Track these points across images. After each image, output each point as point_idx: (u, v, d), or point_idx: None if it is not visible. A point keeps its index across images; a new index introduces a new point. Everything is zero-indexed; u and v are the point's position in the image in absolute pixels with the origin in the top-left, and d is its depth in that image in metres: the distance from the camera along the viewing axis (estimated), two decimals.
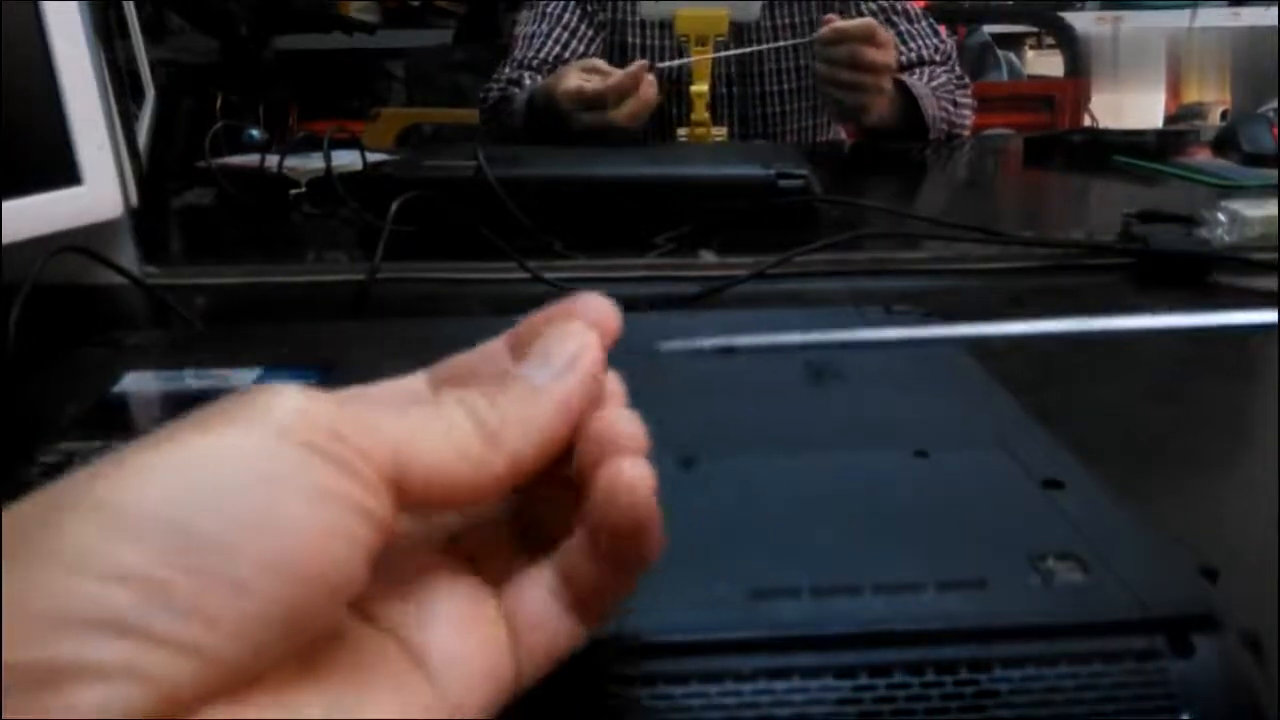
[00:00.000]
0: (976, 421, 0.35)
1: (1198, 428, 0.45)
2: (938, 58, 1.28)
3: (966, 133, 1.31)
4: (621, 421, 0.20)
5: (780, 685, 0.22)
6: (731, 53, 1.14)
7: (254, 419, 0.17)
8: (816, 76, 1.11)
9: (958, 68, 1.30)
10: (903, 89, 1.17)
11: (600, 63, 1.12)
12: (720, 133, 1.13)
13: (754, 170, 0.78)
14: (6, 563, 0.14)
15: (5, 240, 0.52)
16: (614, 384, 0.22)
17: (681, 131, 1.13)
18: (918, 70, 1.25)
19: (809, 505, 0.29)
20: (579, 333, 0.21)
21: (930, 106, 1.18)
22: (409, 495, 0.18)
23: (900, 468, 0.31)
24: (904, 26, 1.28)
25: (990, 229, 0.73)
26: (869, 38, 1.05)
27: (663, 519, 0.20)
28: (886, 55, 1.07)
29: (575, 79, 1.09)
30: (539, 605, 0.21)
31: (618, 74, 1.07)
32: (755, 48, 1.15)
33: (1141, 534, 0.27)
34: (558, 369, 0.20)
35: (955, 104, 1.25)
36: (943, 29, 2.77)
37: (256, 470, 0.16)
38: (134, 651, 0.14)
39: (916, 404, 0.36)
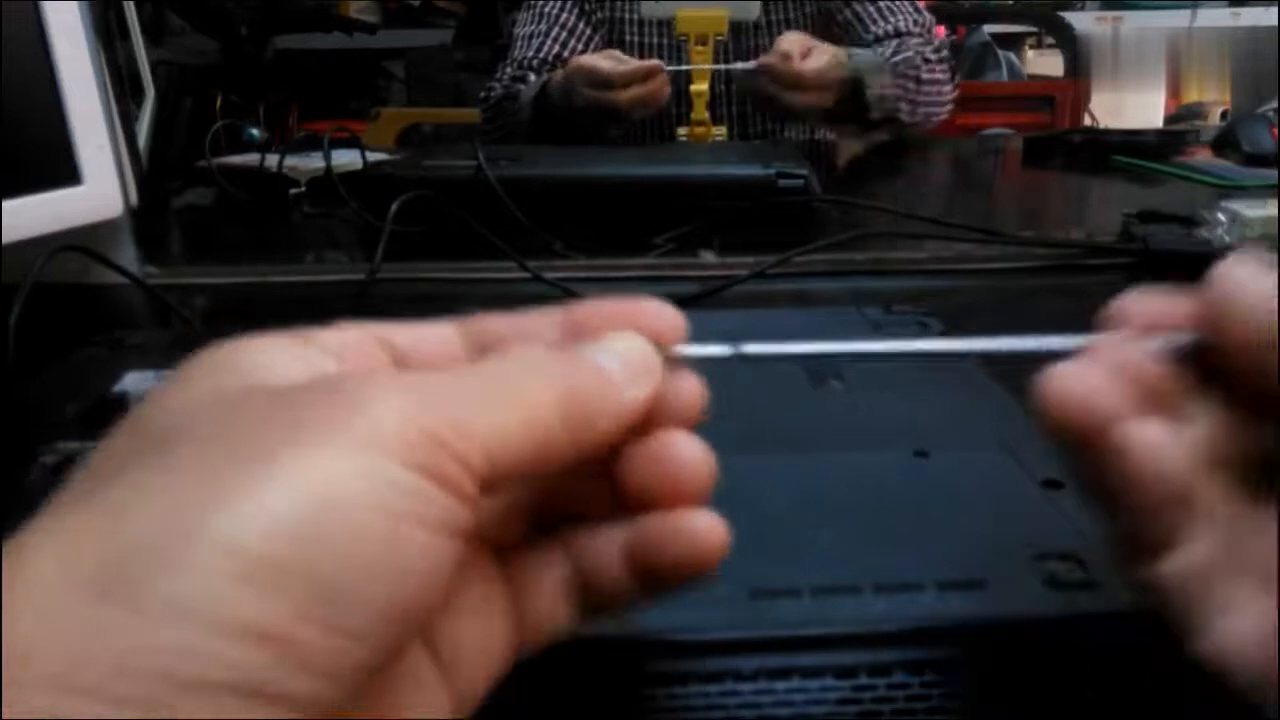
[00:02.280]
0: (976, 422, 0.35)
1: None
2: (916, 29, 1.27)
3: (943, 112, 1.28)
4: (694, 455, 0.20)
5: (780, 685, 0.23)
6: (716, 67, 1.14)
7: (356, 434, 0.15)
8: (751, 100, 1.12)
9: (935, 41, 1.29)
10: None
11: (619, 53, 1.13)
12: (720, 132, 1.13)
13: (754, 170, 0.78)
14: (105, 607, 0.13)
15: (5, 240, 0.52)
16: (693, 392, 0.21)
17: (681, 131, 1.13)
18: (890, 42, 1.24)
19: (809, 505, 0.29)
20: (641, 346, 0.20)
21: (879, 86, 1.16)
22: (487, 490, 0.17)
23: (900, 468, 0.31)
24: (884, 2, 1.28)
25: (990, 229, 0.73)
26: (780, 72, 1.06)
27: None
28: (799, 67, 1.07)
29: (593, 57, 1.10)
30: (548, 601, 0.20)
31: (634, 63, 1.08)
32: (718, 66, 1.14)
33: None
34: (635, 371, 0.19)
35: (919, 80, 1.22)
36: (942, 29, 2.77)
37: (375, 503, 0.15)
38: (261, 710, 0.14)
39: (916, 404, 0.36)
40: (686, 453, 0.20)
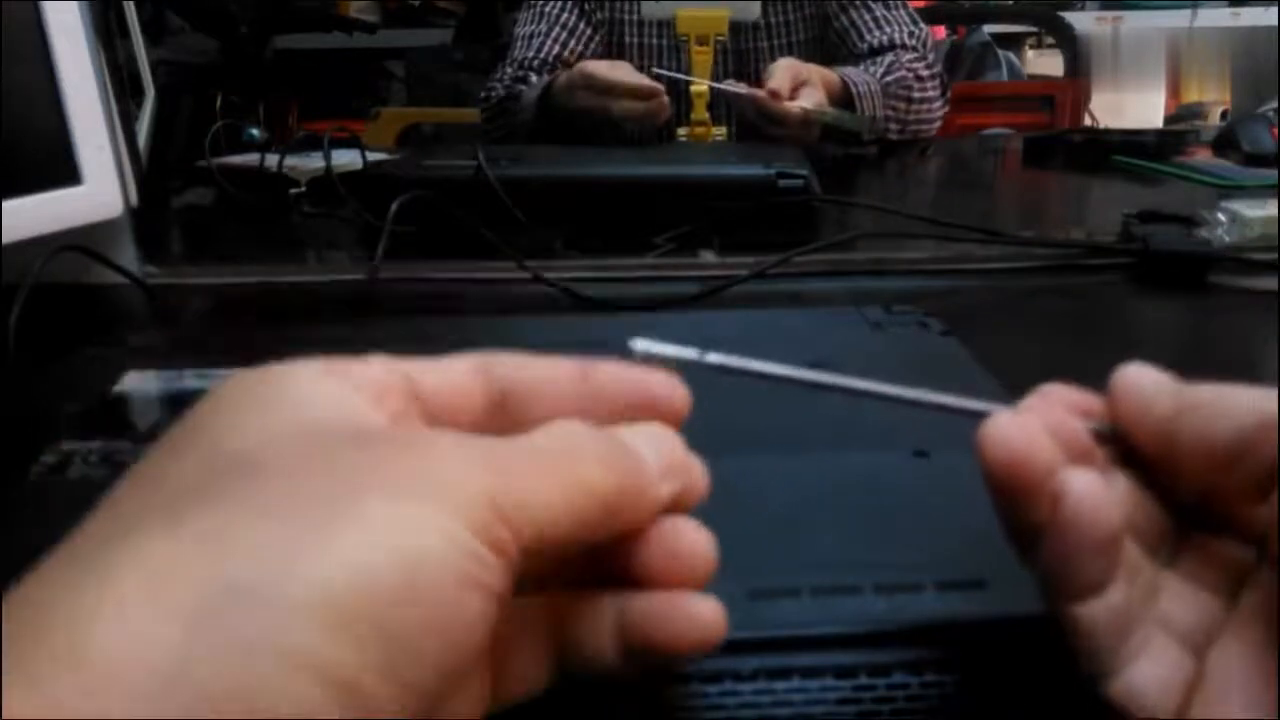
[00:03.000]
0: (977, 422, 0.35)
1: None
2: (911, 42, 1.27)
3: (932, 128, 1.28)
4: (699, 542, 0.21)
5: (780, 685, 0.23)
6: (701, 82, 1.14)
7: (437, 496, 0.16)
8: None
9: (930, 56, 1.28)
10: (845, 87, 1.15)
11: (628, 65, 1.12)
12: (720, 132, 1.13)
13: (754, 170, 0.78)
14: (197, 640, 0.14)
15: (5, 240, 0.52)
16: (699, 479, 0.22)
17: (681, 131, 1.13)
18: (883, 55, 1.24)
19: (809, 505, 0.29)
20: (671, 439, 0.21)
21: (870, 106, 1.16)
22: (527, 559, 0.18)
23: (900, 468, 0.31)
24: (880, 12, 1.28)
25: (990, 229, 0.73)
26: (766, 109, 1.05)
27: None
28: (784, 108, 1.06)
29: (598, 64, 1.10)
30: (528, 663, 0.21)
31: (639, 78, 1.07)
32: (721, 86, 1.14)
33: None
34: (668, 467, 0.21)
35: (910, 100, 1.22)
36: (942, 29, 2.77)
37: (451, 566, 0.16)
38: None
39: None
40: (692, 538, 0.20)
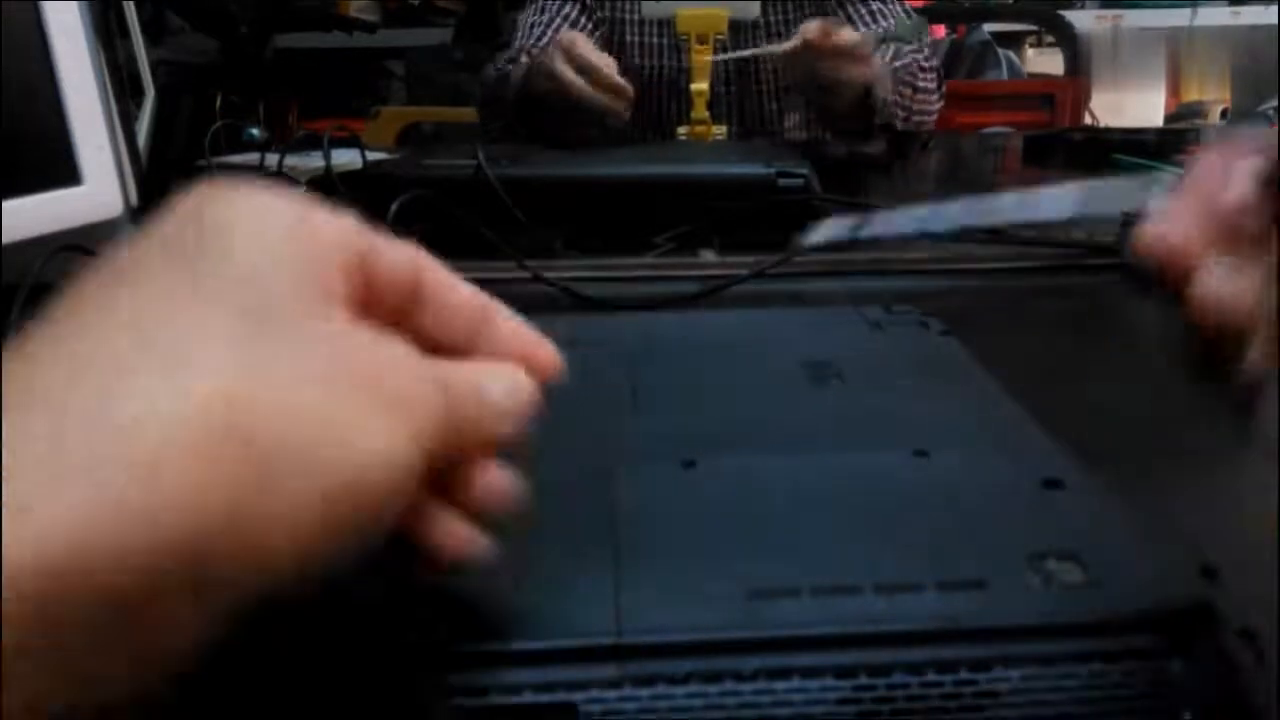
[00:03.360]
0: (976, 421, 0.35)
1: (1198, 428, 0.45)
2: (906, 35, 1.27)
3: (930, 120, 1.28)
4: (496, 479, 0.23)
5: (780, 685, 0.23)
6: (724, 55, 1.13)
7: (407, 412, 0.20)
8: (796, 83, 1.10)
9: (927, 50, 1.29)
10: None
11: (610, 60, 1.12)
12: (720, 132, 1.13)
13: (754, 169, 0.78)
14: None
15: (5, 240, 0.52)
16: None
17: (681, 130, 1.13)
18: (884, 46, 1.24)
19: (809, 505, 0.29)
20: (524, 386, 0.24)
21: (883, 90, 1.16)
22: None
23: (900, 468, 0.31)
24: (876, 6, 1.28)
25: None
26: (837, 46, 1.05)
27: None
28: (851, 42, 1.05)
29: (588, 44, 1.09)
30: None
31: (615, 75, 1.07)
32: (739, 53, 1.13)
33: (1141, 534, 0.27)
34: (512, 406, 0.23)
35: (915, 89, 1.22)
36: (941, 28, 2.77)
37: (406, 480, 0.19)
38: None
39: (916, 404, 0.36)
40: (494, 474, 0.23)
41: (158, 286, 0.19)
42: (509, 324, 0.25)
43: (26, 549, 0.15)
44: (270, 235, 0.20)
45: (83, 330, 0.18)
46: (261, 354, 0.18)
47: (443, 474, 0.22)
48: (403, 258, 0.23)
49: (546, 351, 0.25)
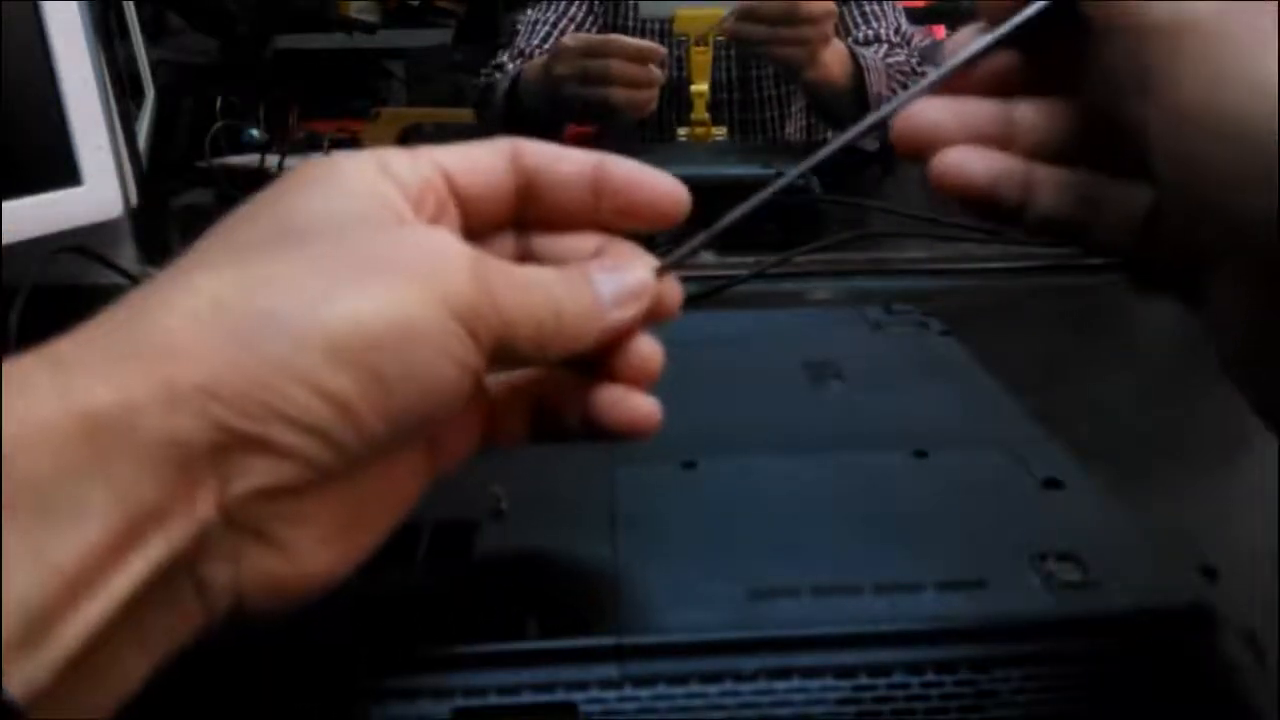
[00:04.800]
0: (976, 421, 0.35)
1: (1198, 428, 0.45)
2: (895, 38, 1.27)
3: None
4: (649, 354, 0.25)
5: (780, 685, 0.23)
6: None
7: (436, 287, 0.21)
8: (751, 44, 1.07)
9: (916, 57, 1.29)
10: (854, 59, 1.14)
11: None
12: (720, 132, 1.13)
13: (754, 170, 0.78)
14: (241, 351, 0.19)
15: (5, 240, 0.52)
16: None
17: (681, 131, 1.13)
18: (873, 46, 1.24)
19: (809, 505, 0.29)
20: (632, 274, 0.25)
21: (877, 81, 1.15)
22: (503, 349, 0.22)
23: (900, 468, 0.31)
24: (869, 8, 1.28)
25: (990, 229, 0.73)
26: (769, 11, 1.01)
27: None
28: (824, 4, 1.04)
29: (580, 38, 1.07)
30: (515, 424, 0.26)
31: (637, 40, 1.04)
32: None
33: (1141, 534, 0.27)
34: (625, 298, 0.24)
35: (905, 88, 1.21)
36: (941, 28, 2.77)
37: (435, 340, 0.20)
38: (315, 449, 0.19)
39: (916, 404, 0.36)
40: (645, 350, 0.25)
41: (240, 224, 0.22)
42: (622, 167, 0.26)
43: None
44: (335, 187, 0.22)
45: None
46: (260, 250, 0.21)
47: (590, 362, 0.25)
48: (487, 164, 0.25)
49: (668, 185, 0.26)
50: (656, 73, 1.04)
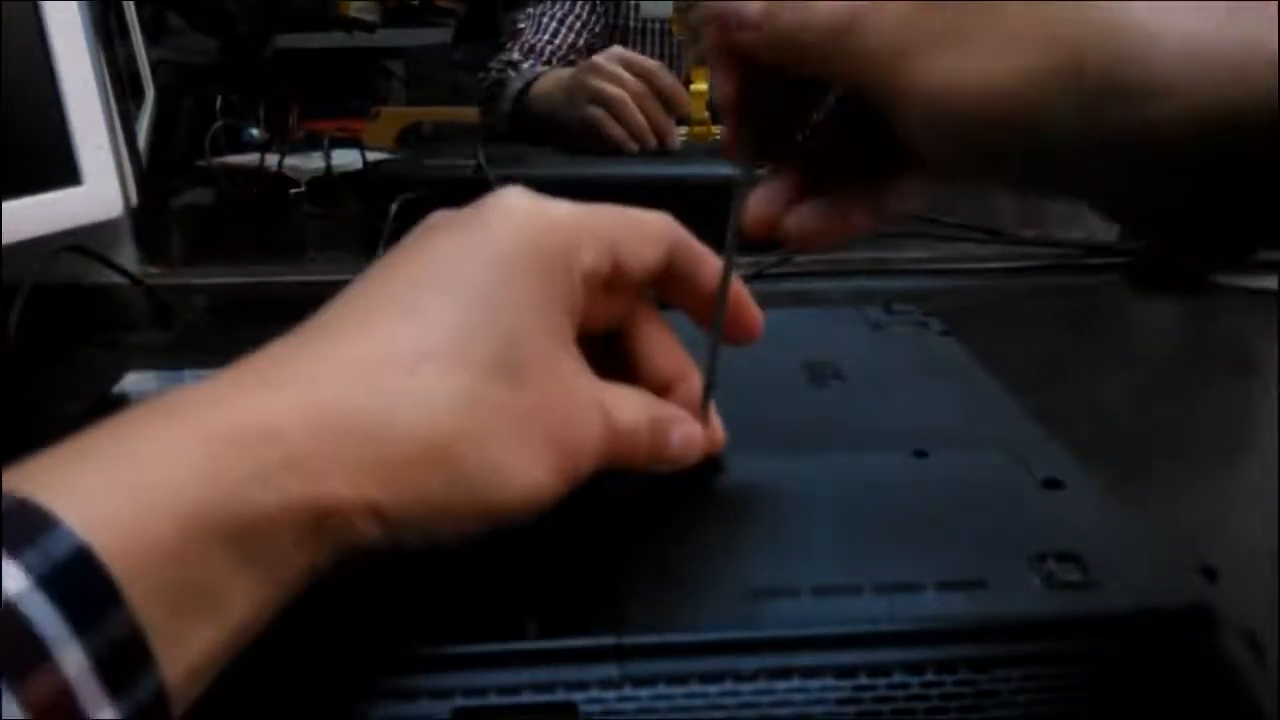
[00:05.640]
0: (976, 421, 0.35)
1: (1198, 428, 0.45)
2: None
3: None
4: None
5: (780, 685, 0.23)
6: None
7: (568, 465, 0.23)
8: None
9: None
10: None
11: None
12: (720, 132, 1.13)
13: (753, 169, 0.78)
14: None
15: (5, 240, 0.52)
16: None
17: (681, 131, 1.13)
18: None
19: (809, 505, 0.29)
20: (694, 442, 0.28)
21: None
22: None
23: (900, 468, 0.31)
24: None
25: (990, 229, 0.73)
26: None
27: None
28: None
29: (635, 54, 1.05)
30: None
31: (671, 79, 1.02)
32: None
33: (1141, 534, 0.27)
34: (683, 455, 0.27)
35: None
36: None
37: (542, 504, 0.23)
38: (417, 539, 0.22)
39: (916, 404, 0.36)
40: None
41: (419, 320, 0.23)
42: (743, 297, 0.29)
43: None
44: (530, 264, 0.24)
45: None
46: (485, 391, 0.22)
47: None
48: (651, 241, 0.27)
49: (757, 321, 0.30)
50: (671, 129, 1.02)
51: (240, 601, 0.20)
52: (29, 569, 0.16)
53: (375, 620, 0.24)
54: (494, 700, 0.22)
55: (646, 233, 0.27)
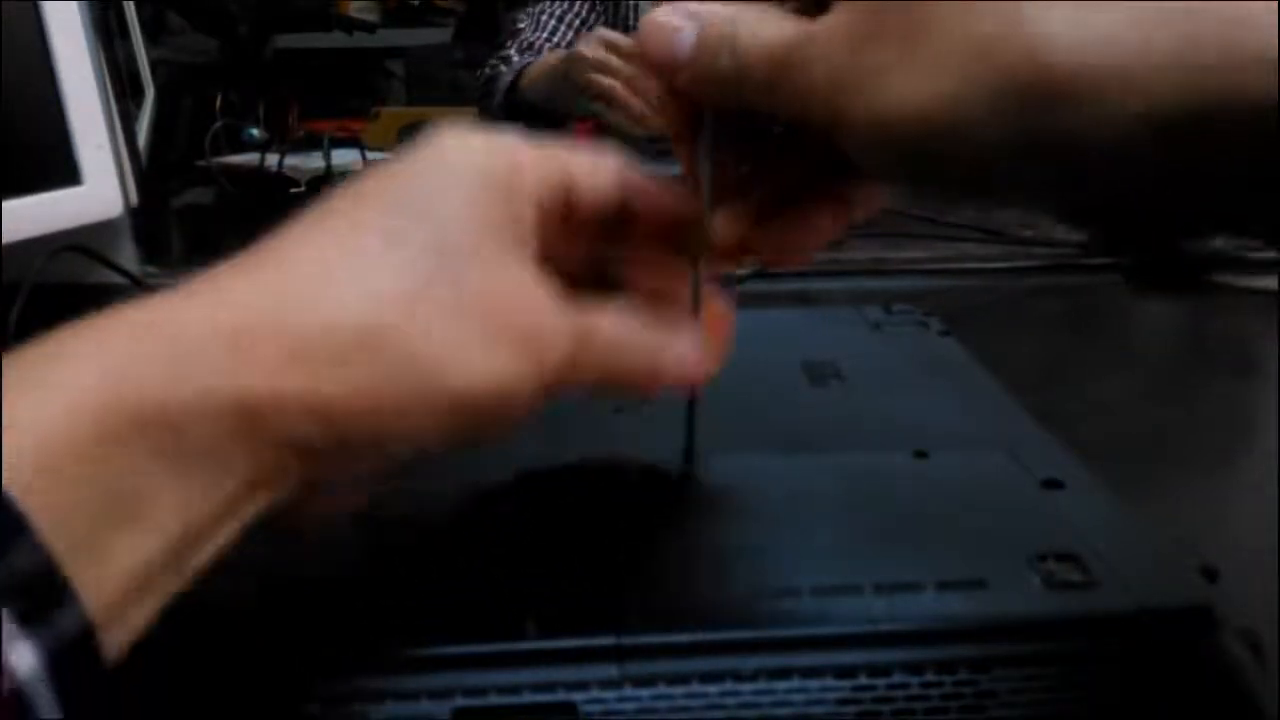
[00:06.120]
0: (976, 421, 0.35)
1: (1198, 428, 0.45)
2: None
3: None
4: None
5: (780, 685, 0.23)
6: None
7: (533, 355, 0.23)
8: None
9: None
10: None
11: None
12: None
13: None
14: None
15: (5, 240, 0.52)
16: None
17: None
18: None
19: (809, 505, 0.29)
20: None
21: None
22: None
23: (900, 468, 0.31)
24: None
25: (990, 229, 0.73)
26: None
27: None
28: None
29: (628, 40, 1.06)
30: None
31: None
32: None
33: (1141, 534, 0.27)
34: (636, 372, 0.26)
35: None
36: None
37: (516, 404, 0.23)
38: (388, 456, 0.22)
39: (916, 404, 0.36)
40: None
41: (352, 230, 0.23)
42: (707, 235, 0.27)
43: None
44: (471, 185, 0.23)
45: (304, 242, 0.23)
46: (421, 286, 0.22)
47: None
48: (603, 183, 0.26)
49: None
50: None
51: (170, 508, 0.19)
52: None
53: (375, 620, 0.24)
54: (494, 700, 0.22)
55: (596, 161, 0.26)
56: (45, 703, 0.16)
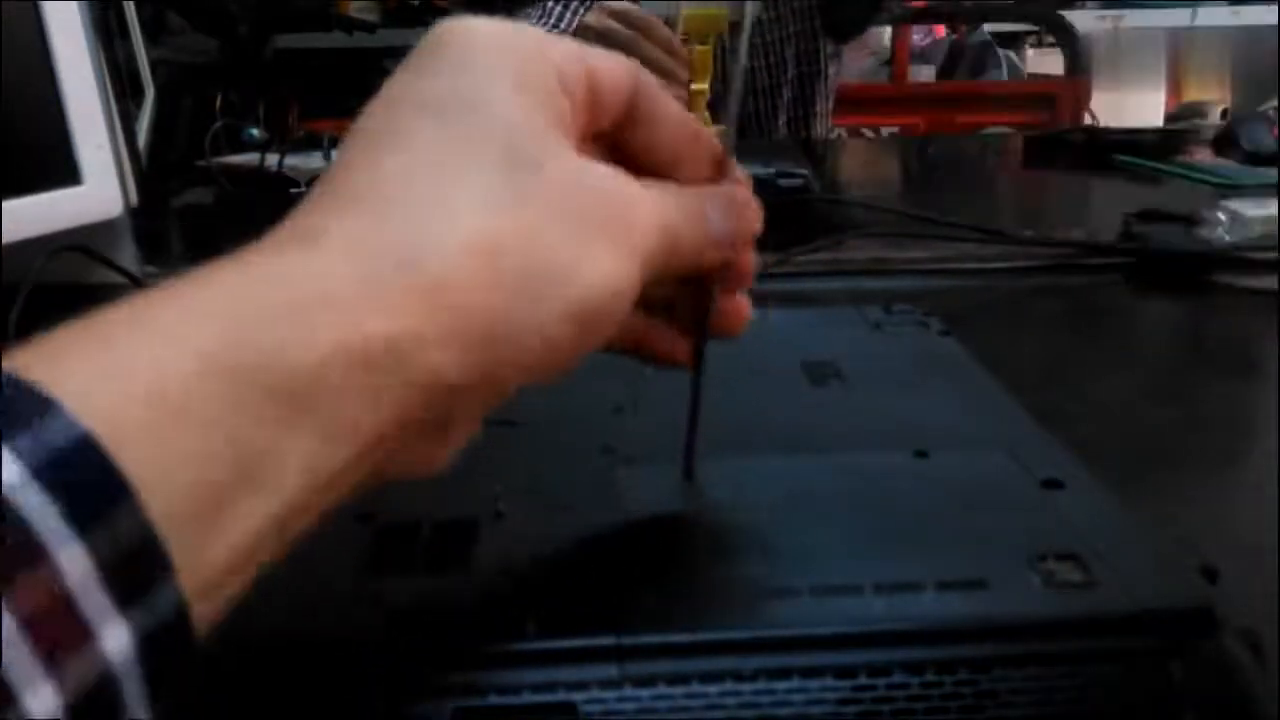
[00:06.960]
0: (976, 421, 0.35)
1: (1198, 428, 0.45)
2: None
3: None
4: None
5: (780, 685, 0.23)
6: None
7: (634, 246, 0.23)
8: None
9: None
10: None
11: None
12: (718, 130, 1.13)
13: (754, 170, 0.78)
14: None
15: (5, 240, 0.52)
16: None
17: None
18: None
19: (809, 505, 0.29)
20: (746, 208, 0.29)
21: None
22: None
23: (900, 468, 0.31)
24: None
25: (990, 229, 0.73)
26: None
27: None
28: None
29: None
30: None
31: (669, 31, 1.02)
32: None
33: (1141, 534, 0.27)
34: (730, 239, 0.28)
35: None
36: (941, 28, 2.76)
37: (627, 298, 0.23)
38: (516, 388, 0.23)
39: (916, 404, 0.36)
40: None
41: (424, 149, 0.22)
42: (715, 145, 0.28)
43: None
44: (512, 80, 0.23)
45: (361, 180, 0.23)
46: (511, 197, 0.21)
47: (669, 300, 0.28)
48: (620, 72, 0.25)
49: (745, 188, 0.29)
50: (682, 73, 1.03)
51: (294, 469, 0.18)
52: (20, 455, 0.14)
53: (375, 620, 0.24)
54: (494, 700, 0.22)
55: (612, 57, 0.25)
56: (134, 693, 0.15)
